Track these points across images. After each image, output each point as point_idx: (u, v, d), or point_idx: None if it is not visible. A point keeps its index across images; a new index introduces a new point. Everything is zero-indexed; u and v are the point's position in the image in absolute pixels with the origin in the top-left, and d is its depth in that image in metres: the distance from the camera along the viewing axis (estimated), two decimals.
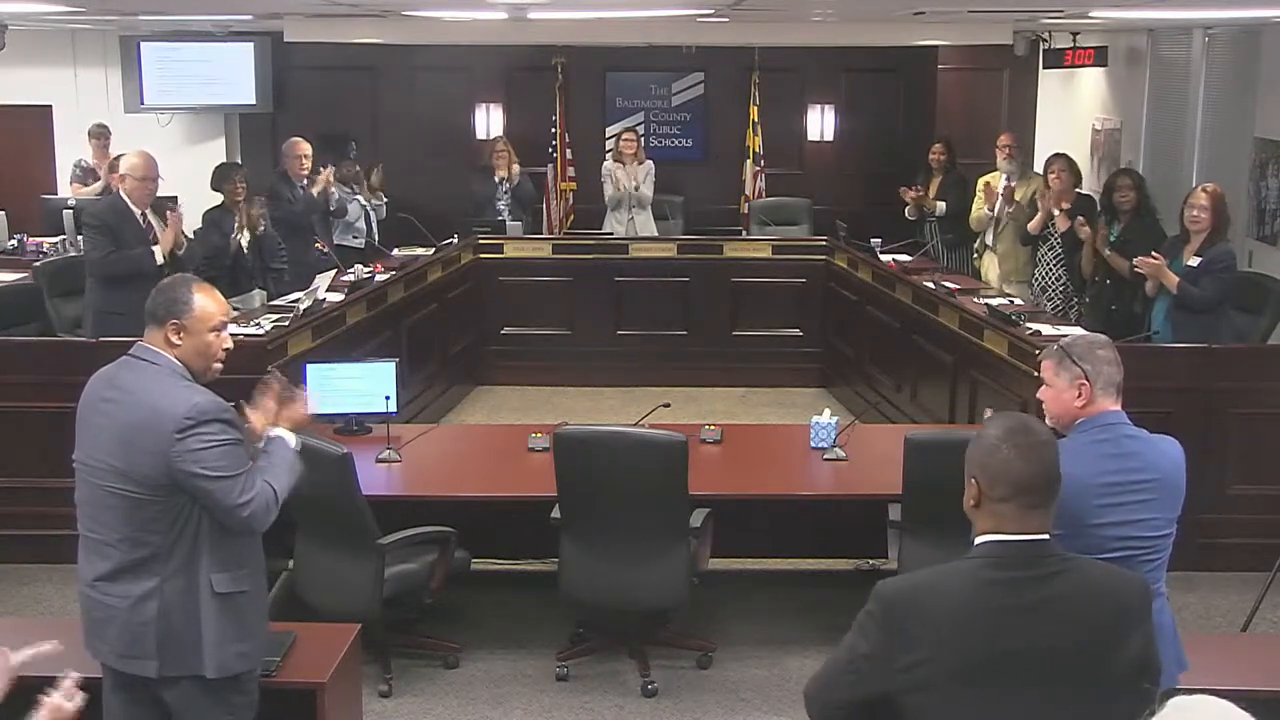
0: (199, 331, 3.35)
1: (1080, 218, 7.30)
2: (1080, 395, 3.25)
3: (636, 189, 9.81)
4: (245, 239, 7.41)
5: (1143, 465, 3.21)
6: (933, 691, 2.36)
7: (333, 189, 8.55)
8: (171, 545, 3.27)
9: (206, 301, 3.38)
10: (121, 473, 3.25)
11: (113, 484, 3.27)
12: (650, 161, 10.04)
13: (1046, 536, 2.48)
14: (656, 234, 9.91)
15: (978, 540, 2.52)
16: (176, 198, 6.77)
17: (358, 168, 9.44)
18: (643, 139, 10.76)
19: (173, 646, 3.29)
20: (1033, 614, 2.40)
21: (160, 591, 3.27)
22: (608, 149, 10.76)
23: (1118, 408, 3.27)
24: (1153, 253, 6.47)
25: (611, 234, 9.81)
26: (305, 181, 8.30)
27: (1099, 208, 7.39)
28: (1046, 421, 3.35)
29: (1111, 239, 7.15)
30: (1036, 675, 2.37)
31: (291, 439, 3.51)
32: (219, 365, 3.44)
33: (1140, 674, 2.46)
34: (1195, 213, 6.42)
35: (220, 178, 7.61)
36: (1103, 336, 3.56)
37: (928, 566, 2.58)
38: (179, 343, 3.34)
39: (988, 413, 3.37)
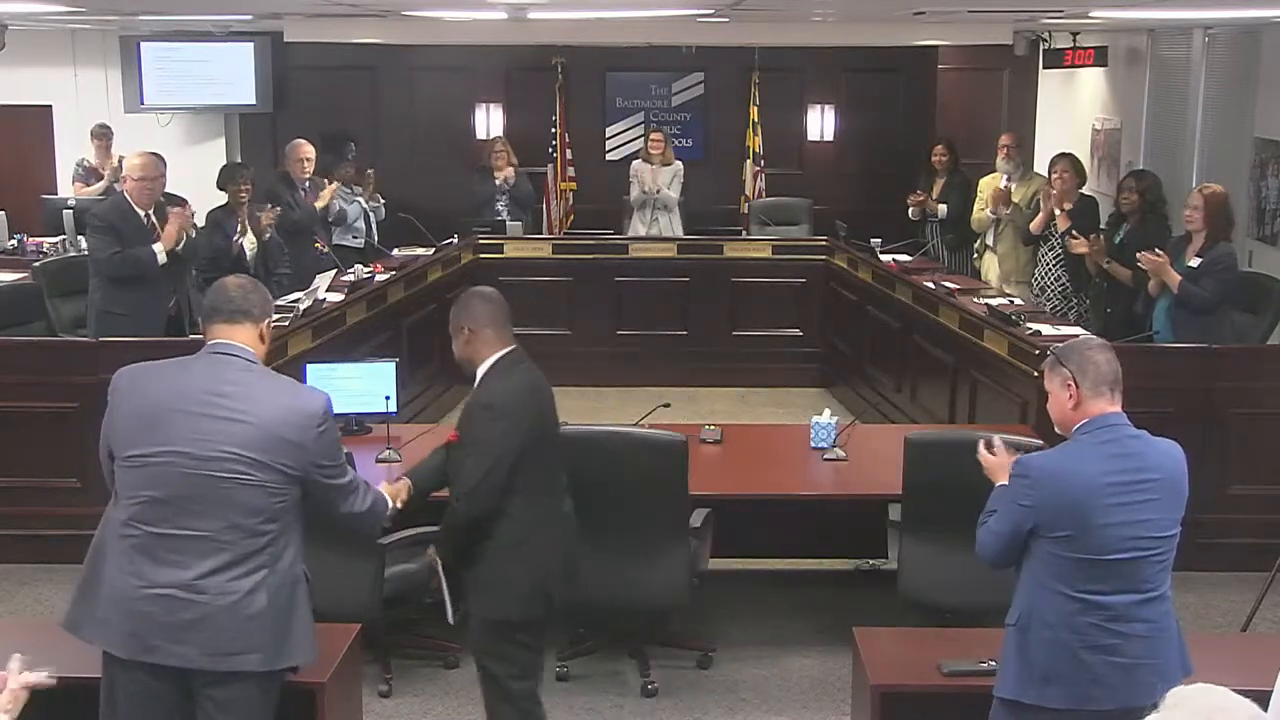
0: (271, 336, 3.58)
1: (1073, 233, 7.28)
2: (1070, 396, 3.25)
3: (659, 191, 9.79)
4: (250, 244, 7.37)
5: (1146, 465, 3.21)
6: None
7: (334, 201, 8.57)
8: (282, 535, 3.33)
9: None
10: (255, 463, 3.25)
11: (239, 472, 3.24)
12: (679, 163, 10.01)
13: None
14: (683, 235, 9.84)
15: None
16: (185, 198, 6.76)
17: (364, 168, 9.43)
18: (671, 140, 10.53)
19: (277, 636, 3.32)
20: None
21: (267, 583, 3.29)
22: (607, 150, 10.74)
23: (1116, 409, 3.26)
24: (1155, 250, 6.48)
25: (611, 233, 9.79)
26: (307, 183, 8.29)
27: (1108, 209, 7.38)
28: (1056, 430, 3.36)
29: (1116, 241, 7.15)
30: None
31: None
32: None
33: None
34: (1189, 213, 6.48)
35: (227, 178, 7.58)
36: (1096, 338, 3.56)
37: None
38: (265, 343, 3.50)
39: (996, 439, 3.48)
